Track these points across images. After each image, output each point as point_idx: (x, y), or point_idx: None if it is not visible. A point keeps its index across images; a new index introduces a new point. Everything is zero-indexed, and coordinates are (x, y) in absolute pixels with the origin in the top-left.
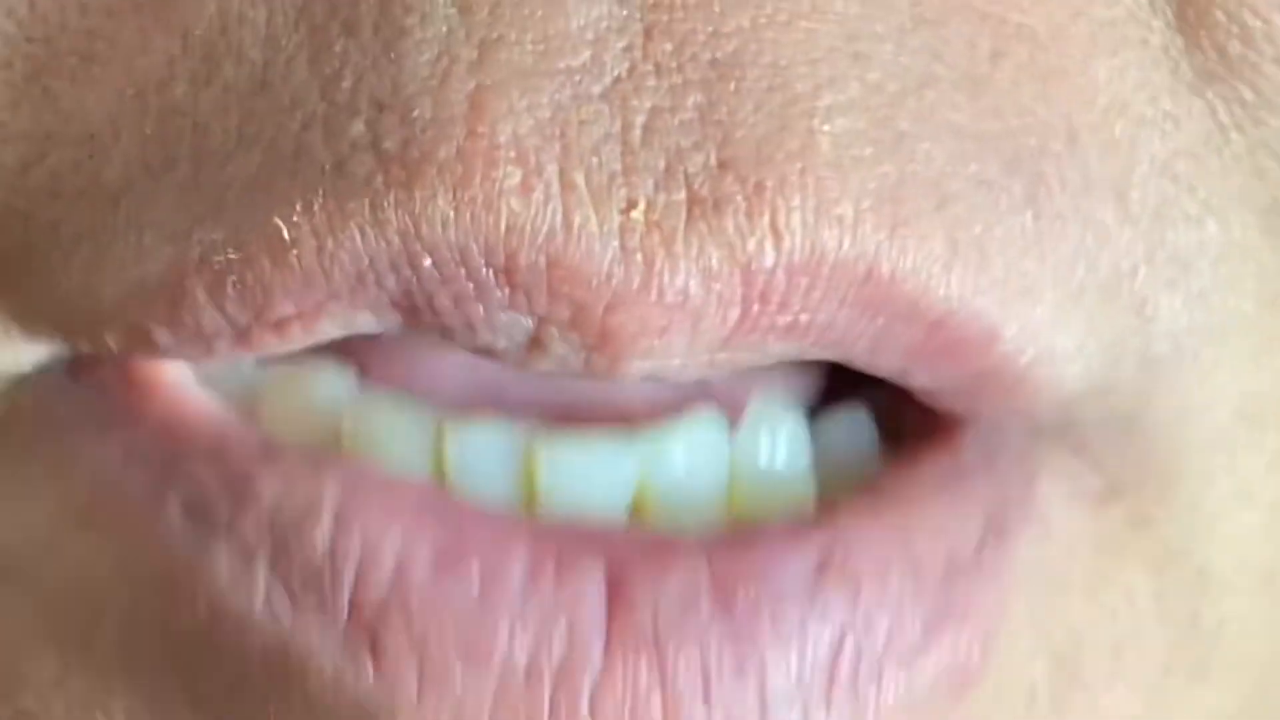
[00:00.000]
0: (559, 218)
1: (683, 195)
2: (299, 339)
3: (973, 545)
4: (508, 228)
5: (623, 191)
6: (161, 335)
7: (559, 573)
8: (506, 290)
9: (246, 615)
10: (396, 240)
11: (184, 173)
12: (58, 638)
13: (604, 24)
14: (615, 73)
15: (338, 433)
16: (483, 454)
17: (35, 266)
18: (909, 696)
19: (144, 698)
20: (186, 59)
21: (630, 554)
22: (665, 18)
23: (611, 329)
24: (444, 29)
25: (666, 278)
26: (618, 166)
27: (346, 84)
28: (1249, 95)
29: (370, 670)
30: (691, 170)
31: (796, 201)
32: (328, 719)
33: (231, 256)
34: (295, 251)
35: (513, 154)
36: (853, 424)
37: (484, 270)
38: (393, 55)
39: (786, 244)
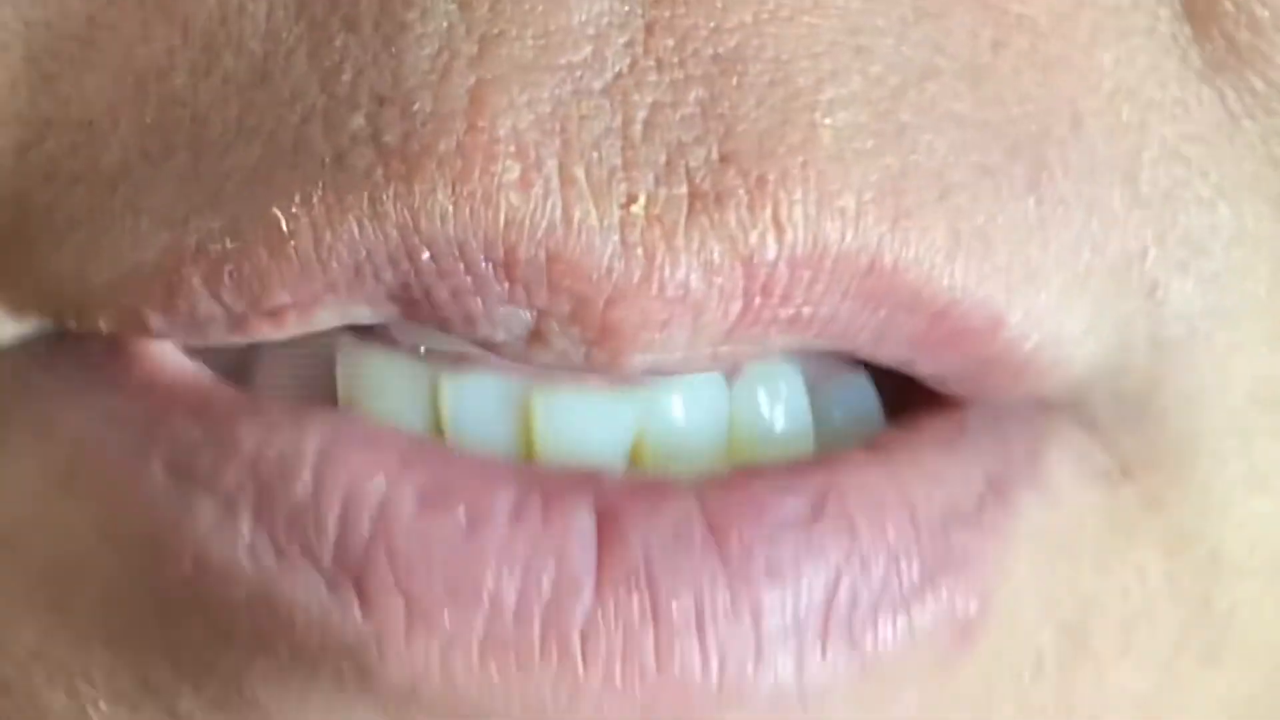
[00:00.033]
0: (559, 212)
1: (684, 189)
2: (294, 327)
3: (973, 499)
4: (507, 222)
5: (623, 186)
6: (155, 320)
7: (546, 511)
8: (506, 284)
9: (230, 565)
10: (395, 234)
11: (182, 161)
12: (36, 606)
13: (605, 19)
14: (616, 68)
15: (332, 390)
16: (479, 403)
17: (27, 247)
18: (907, 643)
19: (124, 663)
20: (187, 49)
21: (621, 494)
22: (667, 13)
23: (612, 323)
24: (444, 24)
25: (667, 271)
26: (618, 161)
27: (346, 78)
28: (1259, 85)
29: (357, 612)
30: (693, 164)
31: (799, 194)
32: (315, 665)
33: (229, 246)
34: (293, 243)
35: (512, 148)
36: (854, 389)
37: (483, 264)
38: (393, 50)
39: (789, 237)
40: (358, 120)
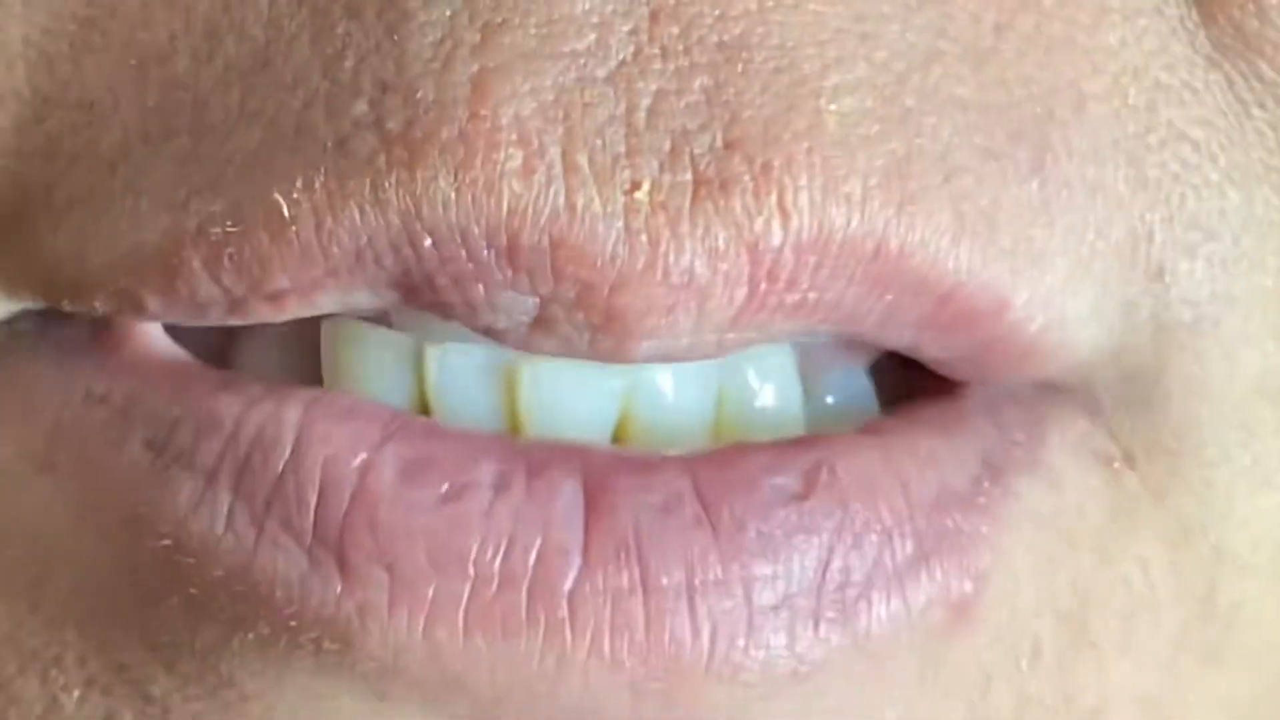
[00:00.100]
0: (561, 199)
1: (688, 176)
2: (294, 311)
3: (968, 480)
4: (509, 209)
5: (626, 173)
6: (153, 302)
7: (531, 482)
8: (509, 271)
9: (209, 540)
10: (397, 220)
11: (183, 144)
12: (9, 591)
13: (609, 8)
14: (620, 56)
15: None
16: (463, 375)
17: (26, 226)
18: (900, 621)
19: (97, 647)
20: (188, 35)
21: (609, 467)
22: (671, 1)
23: (617, 309)
24: (447, 12)
25: (672, 258)
26: (622, 148)
27: (349, 64)
28: (1268, 71)
29: (339, 585)
30: (697, 151)
31: (804, 180)
32: (295, 641)
33: (229, 229)
34: (294, 228)
35: (515, 136)
36: (849, 376)
37: (485, 251)
38: (396, 37)
39: (794, 223)
40: (360, 106)
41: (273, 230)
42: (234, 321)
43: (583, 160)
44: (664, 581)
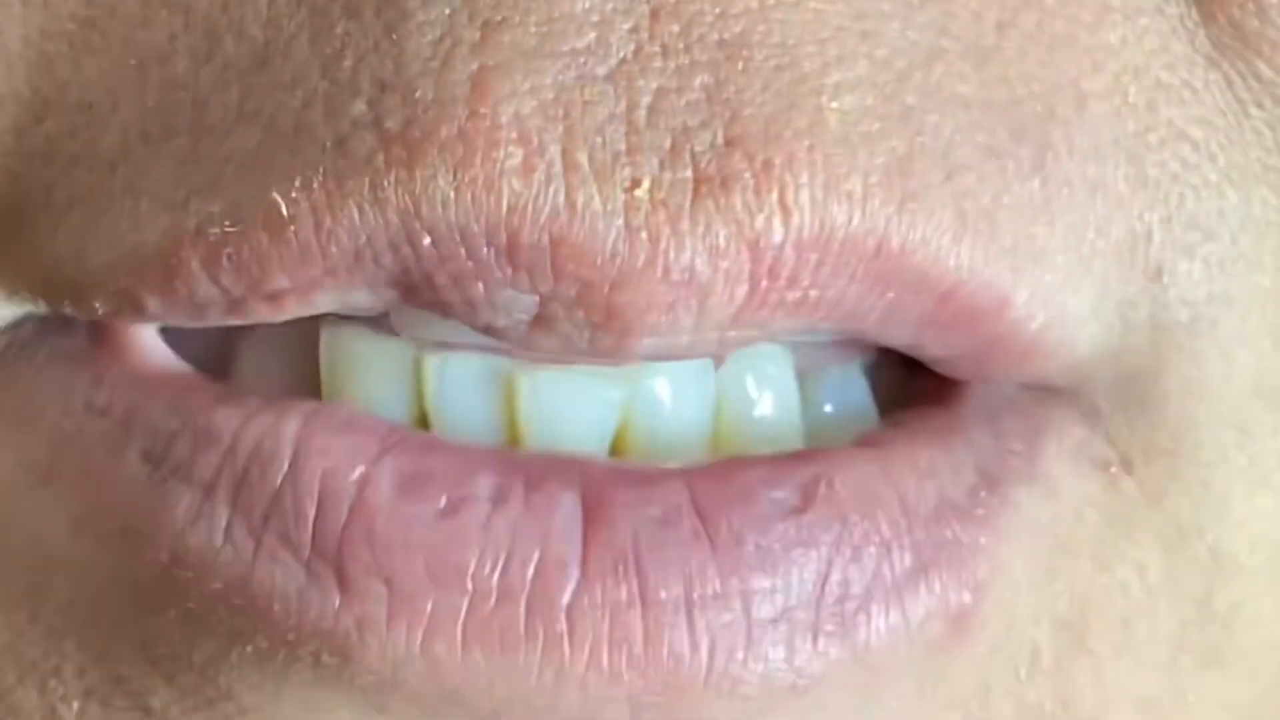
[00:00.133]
0: (561, 197)
1: (689, 173)
2: (293, 310)
3: (965, 490)
4: (509, 207)
5: (627, 170)
6: (153, 303)
7: (529, 495)
8: (508, 270)
9: (207, 553)
10: (396, 219)
11: (183, 144)
12: (8, 601)
13: (609, 6)
14: (621, 54)
15: (315, 385)
16: (462, 386)
17: (26, 228)
18: (899, 634)
19: (96, 659)
20: (188, 35)
21: (608, 480)
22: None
23: (617, 307)
24: (446, 11)
25: (672, 255)
26: (622, 146)
27: (348, 64)
28: (1266, 71)
29: (337, 598)
30: (698, 149)
31: (805, 178)
32: (293, 655)
33: (228, 229)
34: (293, 227)
35: (514, 134)
36: (847, 381)
37: (485, 250)
38: (395, 37)
39: (795, 220)
40: (359, 106)
41: (272, 230)
42: (233, 321)
43: (583, 158)
44: (663, 595)
